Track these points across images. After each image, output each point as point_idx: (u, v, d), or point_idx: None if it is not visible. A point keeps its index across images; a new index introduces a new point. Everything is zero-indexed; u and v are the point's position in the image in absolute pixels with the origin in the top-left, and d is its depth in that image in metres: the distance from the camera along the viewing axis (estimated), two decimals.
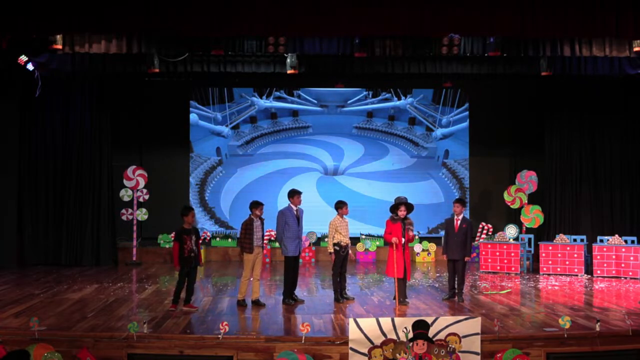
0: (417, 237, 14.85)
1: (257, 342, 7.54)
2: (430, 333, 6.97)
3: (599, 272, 12.59)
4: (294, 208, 9.87)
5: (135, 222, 14.95)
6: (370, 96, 16.53)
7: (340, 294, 10.02)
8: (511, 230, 14.88)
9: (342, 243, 9.97)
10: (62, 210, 14.66)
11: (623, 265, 12.42)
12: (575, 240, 13.32)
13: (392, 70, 13.45)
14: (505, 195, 15.07)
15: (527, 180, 14.94)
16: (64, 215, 14.64)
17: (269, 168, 16.40)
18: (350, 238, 10.23)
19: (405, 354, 6.96)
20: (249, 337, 7.65)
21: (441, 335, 7.13)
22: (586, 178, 15.24)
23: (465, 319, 7.28)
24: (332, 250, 9.97)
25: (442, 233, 14.81)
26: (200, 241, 10.05)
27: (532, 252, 14.12)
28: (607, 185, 15.22)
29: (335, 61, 13.21)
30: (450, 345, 7.10)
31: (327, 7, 10.13)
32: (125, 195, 14.96)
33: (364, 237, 15.77)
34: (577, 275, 12.73)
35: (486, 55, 12.49)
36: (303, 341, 7.42)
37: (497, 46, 12.02)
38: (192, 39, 11.86)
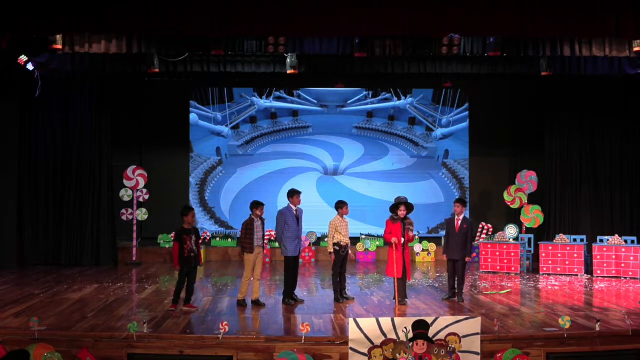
0: (417, 237, 14.85)
1: (257, 342, 7.54)
2: (430, 333, 6.97)
3: (599, 272, 12.59)
4: (294, 208, 9.87)
5: (135, 222, 14.95)
6: (370, 96, 16.53)
7: (340, 294, 10.02)
8: (511, 230, 14.88)
9: (342, 243, 9.97)
10: (62, 210, 14.65)
11: (623, 265, 12.42)
12: (575, 240, 13.32)
13: (392, 70, 13.45)
14: (505, 195, 15.07)
15: (527, 180, 14.94)
16: (64, 215, 14.64)
17: (269, 168, 16.40)
18: (350, 238, 10.23)
19: (405, 354, 6.96)
20: (249, 337, 7.65)
21: (441, 335, 7.13)
22: (586, 178, 15.24)
23: (465, 319, 7.28)
24: (332, 250, 9.97)
25: (442, 233, 14.93)
26: (200, 241, 10.04)
27: (532, 252, 14.12)
28: (607, 185, 15.22)
29: (335, 61, 13.21)
30: (450, 345, 7.10)
31: (327, 7, 10.13)
32: (125, 195, 14.96)
33: (364, 237, 15.77)
34: (577, 275, 12.73)
35: (486, 55, 12.49)
36: (303, 341, 7.43)
37: (497, 46, 12.02)
38: (192, 39, 11.85)
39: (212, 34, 11.14)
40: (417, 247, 15.35)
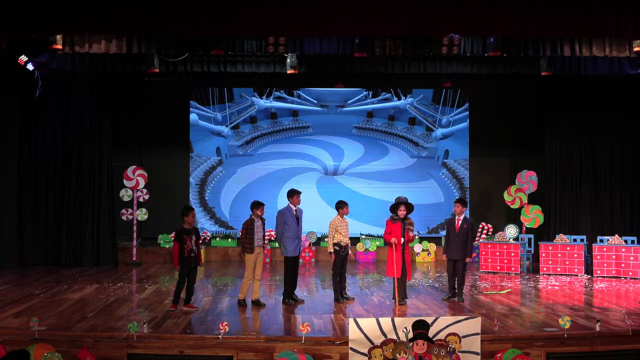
0: (417, 237, 14.84)
1: (257, 342, 7.54)
2: (430, 333, 6.97)
3: (599, 272, 12.59)
4: (293, 208, 9.87)
5: (135, 222, 14.95)
6: (370, 96, 16.53)
7: (340, 294, 10.02)
8: (511, 230, 14.87)
9: (342, 243, 9.97)
10: (62, 210, 14.65)
11: (623, 265, 12.41)
12: (575, 240, 13.32)
13: (392, 70, 13.45)
14: (505, 195, 15.07)
15: (527, 180, 14.94)
16: (64, 215, 14.64)
17: (269, 168, 16.40)
18: (350, 238, 10.23)
19: (405, 354, 6.96)
20: (249, 337, 7.65)
21: (441, 335, 7.13)
22: (586, 178, 15.24)
23: (465, 319, 7.29)
24: (332, 250, 9.97)
25: (442, 233, 14.92)
26: (200, 241, 10.05)
27: (532, 252, 14.12)
28: (607, 185, 15.22)
29: (335, 61, 13.20)
30: (450, 345, 7.10)
31: (327, 7, 10.13)
32: (125, 195, 14.96)
33: (364, 237, 15.77)
34: (577, 275, 12.73)
35: (486, 55, 12.48)
36: (303, 341, 7.43)
37: (497, 46, 12.01)
38: (192, 39, 11.85)
39: (212, 34, 11.13)
40: (417, 247, 15.35)
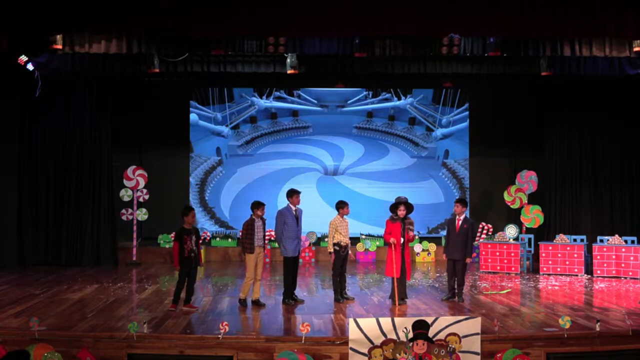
0: (417, 237, 14.84)
1: (257, 342, 7.54)
2: (430, 333, 6.98)
3: (599, 272, 12.59)
4: (293, 208, 9.87)
5: (135, 222, 14.94)
6: (370, 96, 16.53)
7: (340, 294, 10.02)
8: (511, 230, 14.87)
9: (342, 243, 9.97)
10: (62, 210, 14.65)
11: (623, 265, 12.41)
12: (575, 240, 13.31)
13: (392, 70, 13.45)
14: (505, 195, 15.06)
15: (527, 180, 14.94)
16: (64, 215, 14.63)
17: (269, 168, 16.40)
18: (350, 238, 10.22)
19: (405, 354, 6.96)
20: (249, 337, 7.65)
21: (441, 335, 7.13)
22: (586, 178, 15.24)
23: (465, 319, 7.28)
24: (332, 250, 9.97)
25: (442, 233, 14.92)
26: (201, 241, 10.05)
27: (532, 252, 14.11)
28: (607, 185, 15.22)
29: (335, 61, 13.21)
30: (450, 345, 7.10)
31: (327, 7, 10.13)
32: (125, 195, 14.96)
33: (364, 237, 15.77)
34: (577, 275, 12.72)
35: (486, 55, 12.49)
36: (303, 341, 7.42)
37: (497, 46, 12.02)
38: (192, 39, 11.85)
39: (212, 34, 11.13)
40: (417, 247, 15.35)
